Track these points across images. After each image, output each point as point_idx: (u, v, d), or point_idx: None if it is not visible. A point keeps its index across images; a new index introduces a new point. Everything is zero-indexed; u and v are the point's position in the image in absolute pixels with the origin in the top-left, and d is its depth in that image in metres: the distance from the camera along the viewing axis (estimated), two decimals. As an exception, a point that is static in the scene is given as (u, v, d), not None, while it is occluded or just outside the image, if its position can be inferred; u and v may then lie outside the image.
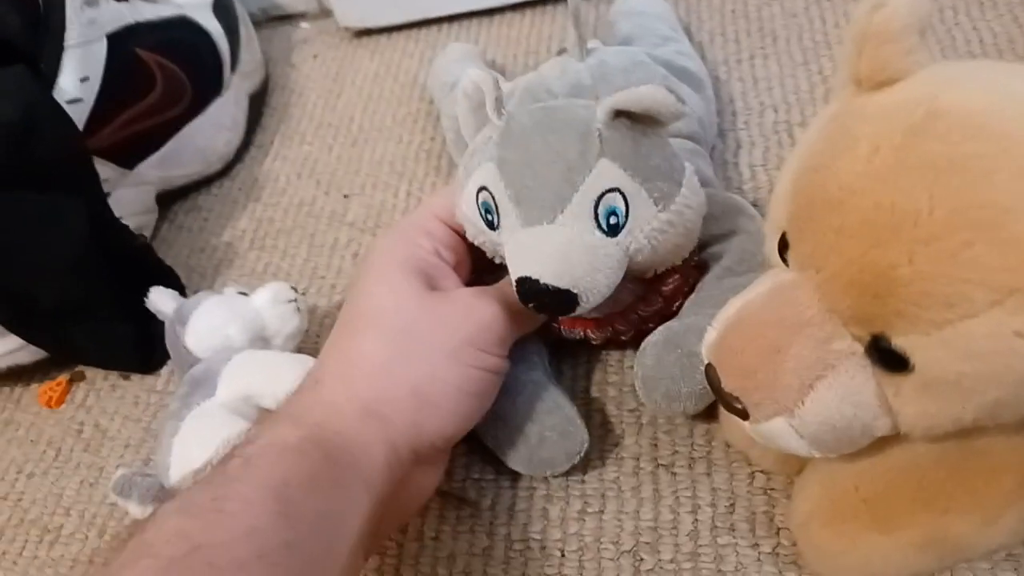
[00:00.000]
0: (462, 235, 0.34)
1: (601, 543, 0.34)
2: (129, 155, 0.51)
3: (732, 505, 0.34)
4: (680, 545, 0.34)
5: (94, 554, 0.40)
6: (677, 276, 0.35)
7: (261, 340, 0.40)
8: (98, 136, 0.48)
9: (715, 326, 0.27)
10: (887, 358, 0.22)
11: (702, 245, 0.36)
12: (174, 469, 0.35)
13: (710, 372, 0.26)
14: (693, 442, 0.36)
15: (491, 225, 0.31)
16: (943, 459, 0.26)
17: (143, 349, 0.46)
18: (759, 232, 0.35)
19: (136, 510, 0.37)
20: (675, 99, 0.29)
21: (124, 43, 0.49)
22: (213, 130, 0.56)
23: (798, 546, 0.31)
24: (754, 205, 0.38)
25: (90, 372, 0.48)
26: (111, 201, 0.46)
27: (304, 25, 0.68)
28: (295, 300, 0.41)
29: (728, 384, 0.25)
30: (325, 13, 0.68)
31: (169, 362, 0.45)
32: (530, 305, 0.30)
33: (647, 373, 0.33)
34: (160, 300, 0.41)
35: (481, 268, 0.36)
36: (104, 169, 0.47)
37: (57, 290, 0.43)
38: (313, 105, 0.61)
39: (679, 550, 0.33)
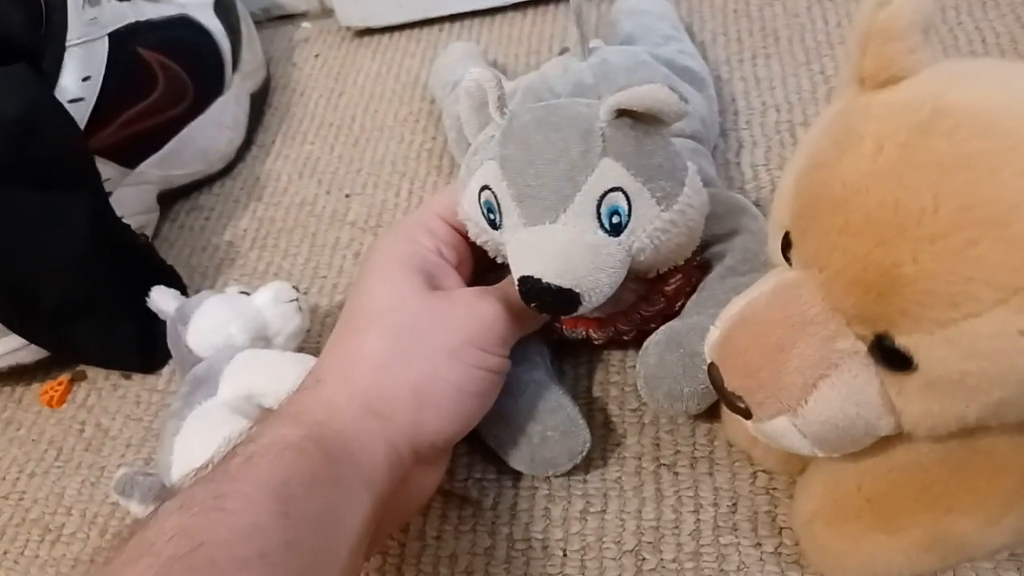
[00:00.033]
0: (464, 234, 0.34)
1: (603, 543, 0.34)
2: (131, 154, 0.51)
3: (734, 505, 0.34)
4: (682, 545, 0.34)
5: (95, 553, 0.39)
6: (680, 276, 0.35)
7: (263, 339, 0.40)
8: (100, 135, 0.48)
9: (718, 325, 0.27)
10: (890, 357, 0.22)
11: (704, 245, 0.36)
12: (176, 468, 0.35)
13: (713, 371, 0.26)
14: (695, 442, 0.36)
15: (493, 224, 0.31)
16: (946, 459, 0.26)
17: (144, 348, 0.46)
18: (761, 231, 0.35)
19: (138, 509, 0.37)
20: (678, 98, 0.29)
21: (126, 42, 0.49)
22: (215, 129, 0.56)
23: (801, 546, 0.31)
24: (756, 204, 0.38)
25: (91, 371, 0.48)
26: (113, 200, 0.46)
27: (305, 25, 0.68)
28: (296, 299, 0.41)
29: (731, 383, 0.25)
30: (326, 12, 0.68)
31: (171, 361, 0.45)
32: (532, 304, 0.29)
33: (649, 372, 0.33)
34: (162, 299, 0.41)
35: (483, 267, 0.36)
36: (106, 168, 0.47)
37: (58, 289, 0.43)
38: (315, 104, 0.61)
39: (681, 550, 0.33)
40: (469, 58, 0.55)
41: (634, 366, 0.36)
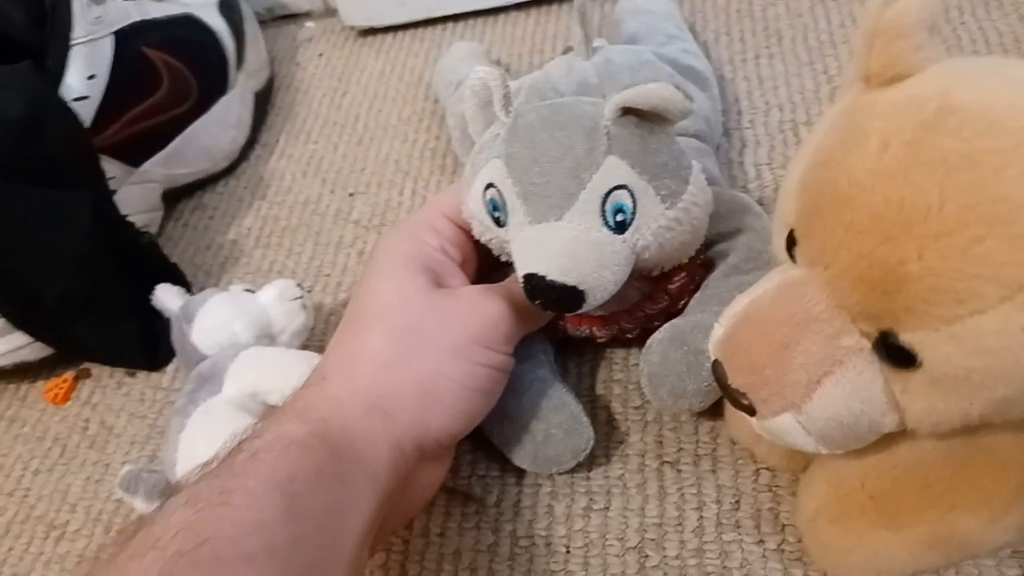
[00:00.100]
0: (468, 232, 0.34)
1: (606, 540, 0.34)
2: (135, 153, 0.51)
3: (737, 502, 0.34)
4: (685, 542, 0.34)
5: (100, 550, 0.40)
6: (683, 274, 0.35)
7: (267, 337, 0.40)
8: (104, 134, 0.48)
9: (722, 322, 0.27)
10: (895, 354, 0.22)
11: (708, 243, 0.36)
12: (180, 465, 0.35)
13: (717, 368, 0.26)
14: (698, 439, 0.36)
15: (498, 222, 0.31)
16: (950, 456, 0.26)
17: (149, 346, 0.46)
18: (765, 230, 0.35)
19: (142, 506, 0.37)
20: (683, 96, 0.29)
21: (130, 41, 0.49)
22: (219, 128, 0.56)
23: (804, 543, 0.31)
24: (759, 203, 0.38)
25: (96, 369, 0.48)
26: (117, 199, 0.46)
27: (309, 24, 0.69)
28: (301, 297, 0.41)
29: (735, 380, 0.25)
30: (330, 12, 0.68)
31: (175, 359, 0.45)
32: (537, 302, 0.30)
33: (653, 370, 0.33)
34: (166, 297, 0.41)
35: (487, 266, 0.36)
36: (110, 167, 0.48)
37: (62, 286, 0.43)
38: (318, 104, 0.61)
39: (684, 547, 0.34)
40: (473, 57, 0.55)
41: (637, 364, 0.36)
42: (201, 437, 0.35)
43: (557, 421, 0.34)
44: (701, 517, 0.34)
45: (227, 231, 0.54)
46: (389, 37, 0.65)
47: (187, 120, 0.54)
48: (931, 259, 0.20)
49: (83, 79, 0.46)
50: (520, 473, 0.37)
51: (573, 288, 0.29)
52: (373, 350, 0.31)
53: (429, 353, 0.30)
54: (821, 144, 0.24)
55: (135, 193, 0.51)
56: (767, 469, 0.35)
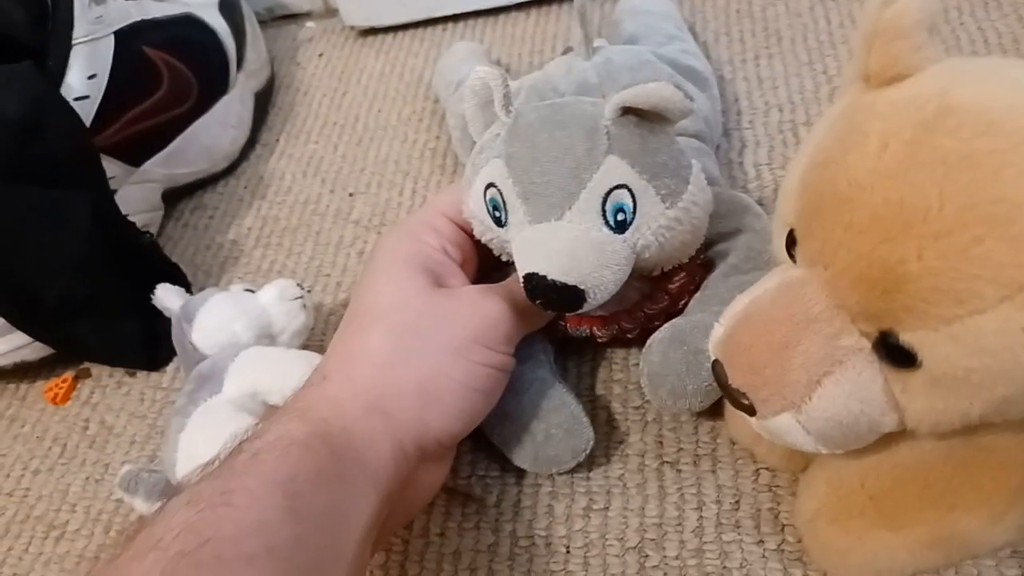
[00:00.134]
0: (469, 232, 0.34)
1: (606, 540, 0.34)
2: (135, 153, 0.51)
3: (737, 502, 0.34)
4: (685, 542, 0.34)
5: (100, 550, 0.40)
6: (683, 274, 0.35)
7: (267, 337, 0.40)
8: (105, 133, 0.48)
9: (722, 322, 0.27)
10: (895, 354, 0.22)
11: (708, 243, 0.36)
12: (180, 465, 0.35)
13: (717, 368, 0.26)
14: (698, 439, 0.36)
15: (499, 222, 0.31)
16: (950, 456, 0.26)
17: (149, 346, 0.46)
18: (765, 230, 0.36)
19: (142, 506, 0.37)
20: (683, 96, 0.29)
21: (131, 41, 0.49)
22: (219, 128, 0.56)
23: (804, 543, 0.31)
24: (759, 203, 0.39)
25: (96, 369, 0.48)
26: (117, 199, 0.46)
27: (310, 24, 0.69)
28: (301, 297, 0.41)
29: (735, 380, 0.25)
30: (331, 12, 0.68)
31: (175, 359, 0.45)
32: (537, 301, 0.30)
33: (653, 370, 0.33)
34: (166, 297, 0.41)
35: (488, 266, 0.36)
36: (111, 167, 0.48)
37: (63, 286, 0.43)
38: (319, 104, 0.61)
39: (684, 547, 0.34)
40: (473, 58, 0.55)
41: (637, 363, 0.36)
42: (201, 437, 0.35)
43: (557, 421, 0.34)
44: (701, 517, 0.34)
45: (227, 231, 0.54)
46: (389, 37, 0.65)
47: (187, 120, 0.54)
48: (931, 259, 0.20)
49: (84, 79, 0.46)
50: (520, 473, 0.37)
51: (574, 288, 0.29)
52: (373, 350, 0.31)
53: (429, 353, 0.30)
54: (821, 144, 0.24)
55: (135, 193, 0.51)
56: (767, 469, 0.35)
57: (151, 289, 0.42)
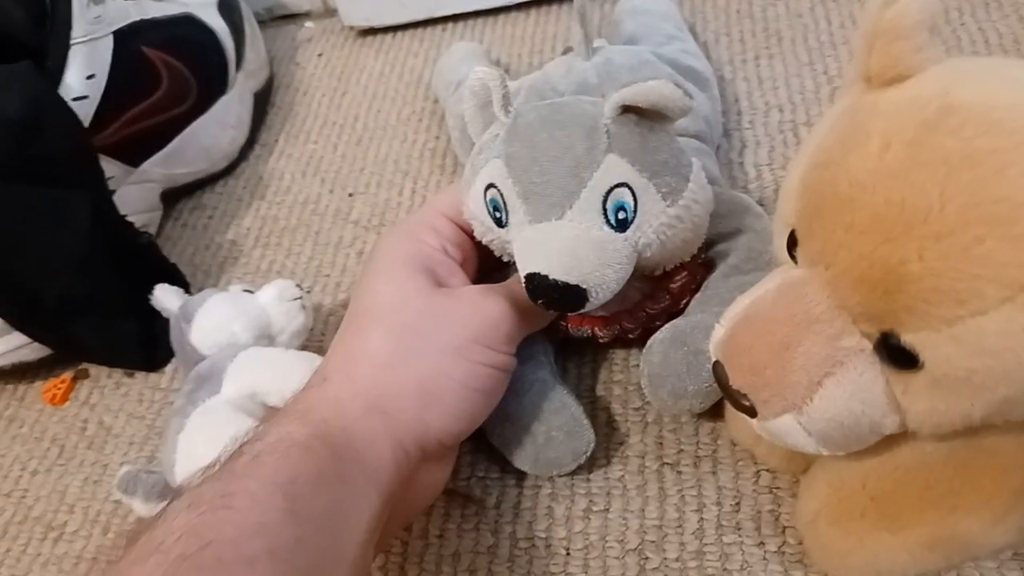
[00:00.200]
0: (468, 232, 0.34)
1: (606, 541, 0.34)
2: (134, 153, 0.51)
3: (738, 504, 0.34)
4: (685, 544, 0.34)
5: (98, 551, 0.40)
6: (685, 273, 0.35)
7: (266, 337, 0.40)
8: (103, 133, 0.48)
9: (723, 323, 0.27)
10: (896, 355, 0.22)
11: (708, 243, 0.36)
12: (179, 466, 0.35)
13: (718, 369, 0.26)
14: (699, 440, 0.36)
15: (499, 222, 0.31)
16: (951, 457, 0.26)
17: (147, 346, 0.46)
18: (766, 230, 0.35)
19: (140, 507, 0.37)
20: (682, 94, 0.29)
21: (130, 40, 0.49)
22: (218, 128, 0.56)
23: (805, 544, 0.31)
24: (760, 204, 0.38)
25: (94, 370, 0.48)
26: (116, 199, 0.46)
27: (309, 24, 0.69)
28: (300, 297, 0.41)
29: (736, 381, 0.25)
30: (330, 12, 0.68)
31: (173, 359, 0.45)
32: (539, 301, 0.30)
33: (653, 371, 0.33)
34: (165, 297, 0.41)
35: (488, 266, 0.36)
36: (109, 167, 0.47)
37: (61, 286, 0.43)
38: (318, 104, 0.61)
39: (684, 549, 0.33)
40: (472, 58, 0.55)
41: (637, 364, 0.36)
42: (200, 438, 0.35)
43: (558, 423, 0.34)
44: (701, 519, 0.34)
45: (226, 231, 0.54)
46: (389, 37, 0.65)
47: (186, 120, 0.54)
48: (932, 259, 0.20)
49: (82, 79, 0.46)
50: (520, 474, 0.37)
51: (575, 287, 0.29)
52: (373, 350, 0.31)
53: (429, 353, 0.30)
54: (822, 145, 0.24)
55: (134, 193, 0.51)
56: (768, 471, 0.35)
57: (149, 289, 0.41)
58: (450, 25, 0.64)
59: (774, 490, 0.34)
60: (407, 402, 0.30)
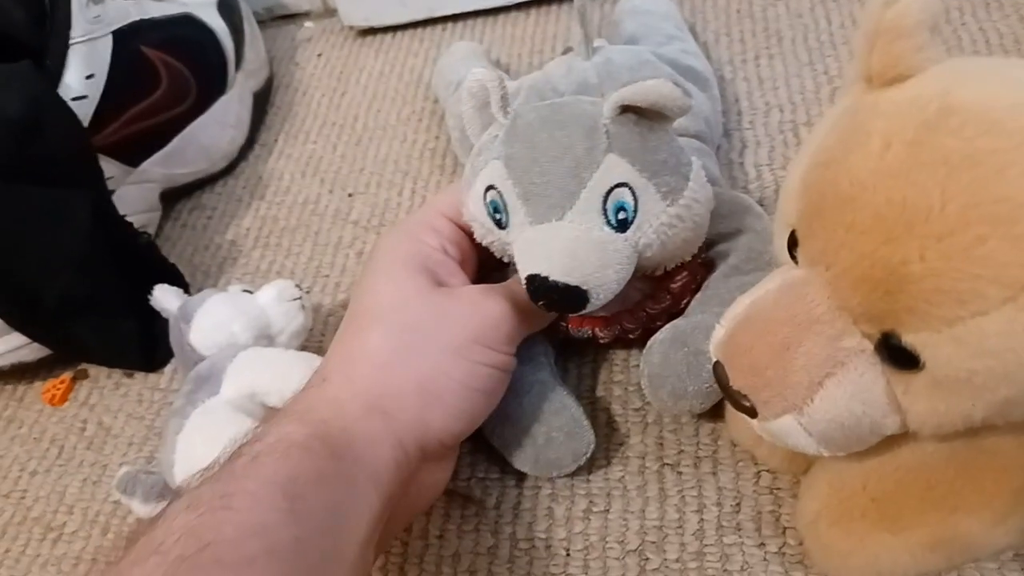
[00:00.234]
0: (468, 232, 0.34)
1: (607, 542, 0.34)
2: (133, 153, 0.51)
3: (738, 504, 0.34)
4: (686, 544, 0.33)
5: (97, 552, 0.39)
6: (685, 273, 0.35)
7: (265, 338, 0.40)
8: (103, 133, 0.48)
9: (723, 324, 0.27)
10: (897, 356, 0.22)
11: (709, 243, 0.35)
12: (178, 466, 0.35)
13: (718, 370, 0.26)
14: (699, 441, 0.36)
15: (500, 224, 0.31)
16: (952, 458, 0.26)
17: (147, 347, 0.46)
18: (766, 231, 0.35)
19: (140, 508, 0.37)
20: (681, 93, 0.29)
21: (129, 40, 0.49)
22: (217, 128, 0.56)
23: (806, 545, 0.31)
24: (760, 204, 0.38)
25: (93, 370, 0.48)
26: (115, 199, 0.46)
27: (308, 24, 0.69)
28: (299, 298, 0.41)
29: (736, 382, 0.25)
30: (329, 12, 0.68)
31: (173, 360, 0.45)
32: (540, 303, 0.29)
33: (653, 371, 0.33)
34: (164, 297, 0.41)
35: (488, 267, 0.36)
36: (108, 167, 0.47)
37: (61, 286, 0.43)
38: (317, 104, 0.61)
39: (685, 549, 0.33)
40: (472, 57, 0.55)
41: (637, 365, 0.36)
42: (199, 438, 0.35)
43: (558, 424, 0.34)
44: (702, 520, 0.34)
45: (225, 231, 0.54)
46: (388, 37, 0.65)
47: (186, 120, 0.54)
48: (933, 259, 0.20)
49: (81, 78, 0.46)
50: (520, 475, 0.37)
51: (576, 288, 0.28)
52: (372, 350, 0.30)
53: (429, 352, 0.30)
54: (822, 144, 0.23)
55: (133, 193, 0.51)
56: (768, 471, 0.35)
57: (149, 290, 0.41)
58: (450, 25, 0.64)
59: (775, 491, 0.34)
60: (407, 402, 0.29)
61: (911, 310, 0.21)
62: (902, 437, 0.25)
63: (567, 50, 0.47)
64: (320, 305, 0.47)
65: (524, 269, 0.29)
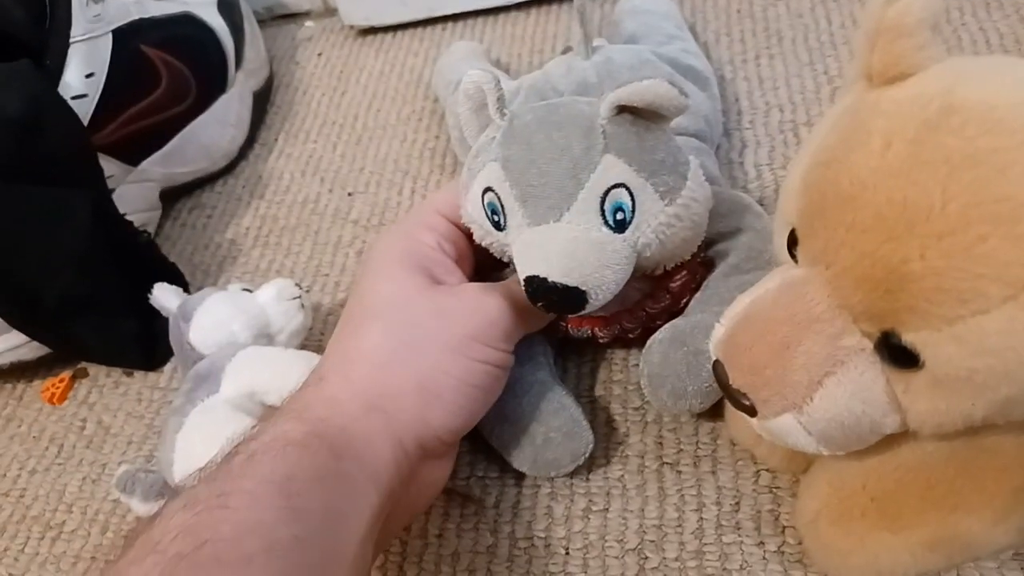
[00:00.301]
0: (464, 230, 0.34)
1: (606, 541, 0.34)
2: (133, 152, 0.51)
3: (737, 503, 0.34)
4: (685, 543, 0.33)
5: (96, 551, 0.39)
6: (685, 272, 0.35)
7: (265, 337, 0.40)
8: (102, 132, 0.48)
9: (723, 322, 0.27)
10: (897, 354, 0.22)
11: (708, 243, 0.35)
12: (178, 465, 0.35)
13: (718, 369, 0.26)
14: (698, 440, 0.36)
15: (498, 226, 0.31)
16: (952, 457, 0.26)
17: (146, 345, 0.46)
18: (766, 230, 0.35)
19: (139, 507, 0.37)
20: (678, 92, 0.29)
21: (129, 39, 0.49)
22: (217, 127, 0.56)
23: (805, 544, 0.31)
24: (760, 203, 0.38)
25: (93, 368, 0.48)
26: (115, 198, 0.46)
27: (309, 23, 0.69)
28: (299, 297, 0.41)
29: (736, 380, 0.25)
30: (330, 11, 0.68)
31: (172, 359, 0.45)
32: (539, 304, 0.29)
33: (653, 371, 0.33)
34: (164, 296, 0.41)
35: (487, 266, 0.36)
36: (108, 165, 0.47)
37: (60, 286, 0.42)
38: (317, 103, 0.61)
39: (684, 548, 0.33)
40: (472, 57, 0.55)
41: (637, 364, 0.36)
42: (198, 437, 0.35)
43: (556, 424, 0.34)
44: (701, 519, 0.34)
45: (225, 230, 0.54)
46: (388, 36, 0.65)
47: (186, 119, 0.54)
48: (934, 258, 0.20)
49: (81, 77, 0.46)
50: (519, 474, 0.37)
51: (575, 289, 0.28)
52: (371, 349, 0.30)
53: (428, 350, 0.30)
54: (823, 143, 0.23)
55: (133, 192, 0.51)
56: (767, 470, 0.35)
57: (148, 289, 0.41)
58: (450, 24, 0.64)
59: (774, 490, 0.34)
60: (407, 401, 0.29)
61: (911, 309, 0.21)
62: (902, 436, 0.25)
63: (567, 50, 0.47)
64: (320, 304, 0.47)
65: (523, 270, 0.29)
